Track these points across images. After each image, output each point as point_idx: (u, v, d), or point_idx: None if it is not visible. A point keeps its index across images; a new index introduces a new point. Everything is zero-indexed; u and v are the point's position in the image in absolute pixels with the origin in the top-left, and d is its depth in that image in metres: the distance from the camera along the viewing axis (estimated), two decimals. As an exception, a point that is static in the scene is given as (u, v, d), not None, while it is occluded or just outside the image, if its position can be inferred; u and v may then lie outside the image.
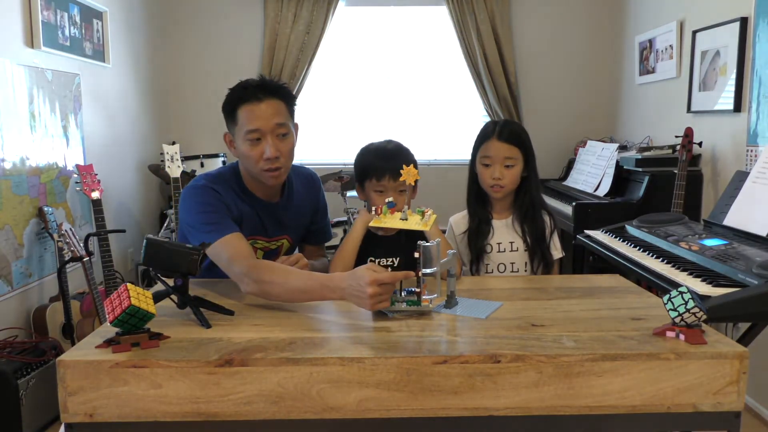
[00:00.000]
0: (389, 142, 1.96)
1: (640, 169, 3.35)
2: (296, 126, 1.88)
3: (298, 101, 1.89)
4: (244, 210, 1.83)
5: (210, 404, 1.17)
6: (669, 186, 3.04)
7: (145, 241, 1.40)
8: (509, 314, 1.45)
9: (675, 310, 1.25)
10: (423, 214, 1.59)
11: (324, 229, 2.11)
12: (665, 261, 1.94)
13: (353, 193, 3.86)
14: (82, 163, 3.29)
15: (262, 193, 1.88)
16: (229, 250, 1.64)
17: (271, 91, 1.78)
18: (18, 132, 2.79)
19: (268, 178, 1.80)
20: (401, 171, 1.57)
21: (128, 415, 1.17)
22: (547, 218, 2.02)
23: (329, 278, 1.49)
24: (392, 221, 1.57)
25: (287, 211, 1.94)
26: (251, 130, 1.75)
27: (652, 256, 2.03)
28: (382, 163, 1.84)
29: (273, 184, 1.85)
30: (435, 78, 4.73)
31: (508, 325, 1.37)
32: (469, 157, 2.05)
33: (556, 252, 2.02)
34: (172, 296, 1.41)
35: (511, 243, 1.99)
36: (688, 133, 3.04)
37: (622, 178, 3.56)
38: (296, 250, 2.06)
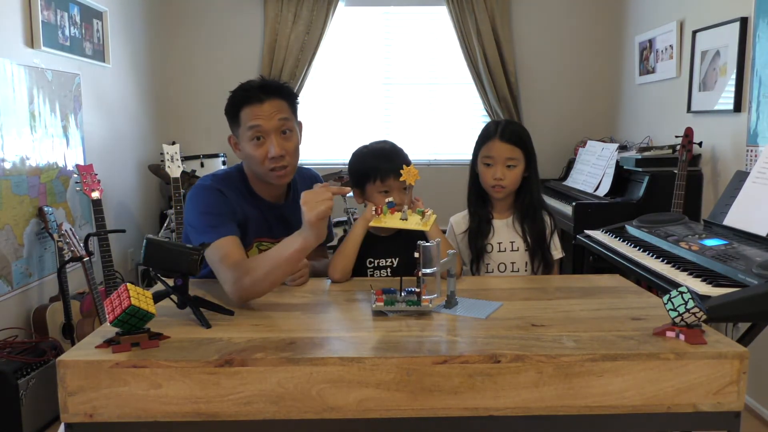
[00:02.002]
0: (385, 142, 1.96)
1: (640, 169, 3.35)
2: (300, 124, 1.88)
3: (298, 101, 1.90)
4: (249, 212, 1.83)
5: (210, 404, 1.17)
6: (669, 186, 3.04)
7: (145, 241, 1.40)
8: (509, 314, 1.45)
9: (675, 310, 1.25)
10: (423, 214, 1.59)
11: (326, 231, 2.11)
12: (665, 261, 1.94)
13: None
14: (82, 163, 3.29)
15: (268, 194, 1.88)
16: (220, 252, 1.63)
17: (273, 91, 1.78)
18: (18, 132, 2.79)
19: (274, 178, 1.80)
20: (401, 171, 1.57)
21: (128, 415, 1.17)
22: (547, 218, 2.02)
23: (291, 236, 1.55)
24: (392, 221, 1.57)
25: (292, 212, 1.94)
26: (254, 128, 1.75)
27: (652, 256, 2.03)
28: (385, 164, 1.84)
29: (280, 184, 1.85)
30: (435, 78, 4.73)
31: (508, 325, 1.37)
32: (469, 157, 2.05)
33: (557, 252, 2.02)
34: (172, 296, 1.41)
35: (512, 243, 1.99)
36: (688, 133, 3.04)
37: (622, 178, 3.56)
38: None
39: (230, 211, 1.77)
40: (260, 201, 1.87)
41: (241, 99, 1.78)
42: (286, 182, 1.87)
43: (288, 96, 1.82)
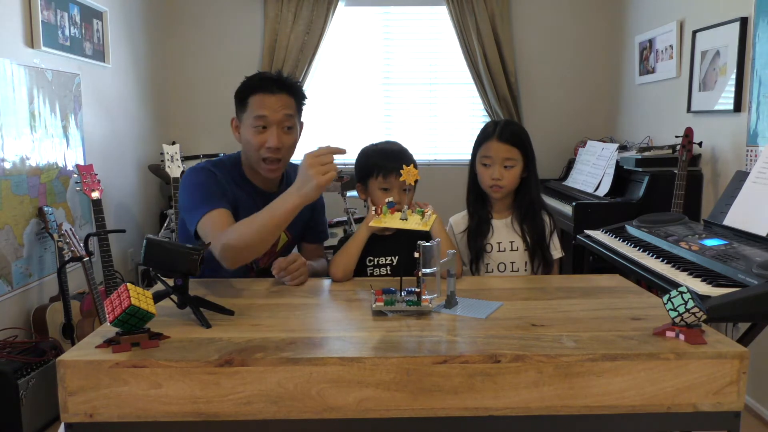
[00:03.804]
0: (392, 143, 1.99)
1: (640, 169, 3.35)
2: (302, 124, 1.94)
3: (305, 102, 1.95)
4: (240, 196, 1.87)
5: (210, 404, 1.17)
6: (669, 186, 3.04)
7: (145, 241, 1.40)
8: (509, 314, 1.45)
9: (675, 310, 1.25)
10: (423, 214, 1.59)
11: (321, 227, 2.12)
12: (665, 261, 1.94)
13: (353, 193, 3.87)
14: (82, 163, 3.29)
15: (261, 182, 1.93)
16: (210, 222, 1.71)
17: (286, 86, 1.86)
18: (18, 132, 2.79)
19: (265, 169, 1.85)
20: (401, 171, 1.57)
21: (128, 415, 1.17)
22: (546, 218, 2.02)
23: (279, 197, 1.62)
24: (392, 221, 1.57)
25: None
26: (259, 117, 1.81)
27: (652, 256, 2.03)
28: (389, 163, 1.86)
29: (270, 177, 1.89)
30: (435, 78, 4.73)
31: (508, 325, 1.37)
32: (469, 157, 2.05)
33: (556, 252, 2.02)
34: (172, 296, 1.41)
35: (511, 242, 1.99)
36: (688, 133, 3.04)
37: (622, 178, 3.56)
38: (294, 248, 2.07)
39: (221, 190, 1.82)
40: (252, 187, 1.91)
41: (254, 85, 1.85)
42: (275, 177, 1.91)
43: (298, 95, 1.89)
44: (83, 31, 3.38)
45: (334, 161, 1.56)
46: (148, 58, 4.30)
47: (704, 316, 1.24)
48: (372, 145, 1.98)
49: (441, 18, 4.57)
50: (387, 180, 1.86)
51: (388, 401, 1.18)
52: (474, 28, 4.43)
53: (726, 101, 3.01)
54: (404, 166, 1.57)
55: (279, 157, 1.84)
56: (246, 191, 1.88)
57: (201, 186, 1.81)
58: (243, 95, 1.86)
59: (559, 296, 1.62)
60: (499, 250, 1.99)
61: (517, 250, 1.99)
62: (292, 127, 1.86)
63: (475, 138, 2.03)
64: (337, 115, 4.69)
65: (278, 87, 1.84)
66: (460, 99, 4.73)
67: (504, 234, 2.00)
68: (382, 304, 1.43)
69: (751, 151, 2.80)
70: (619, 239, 2.29)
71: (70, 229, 2.90)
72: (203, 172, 1.85)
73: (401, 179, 1.57)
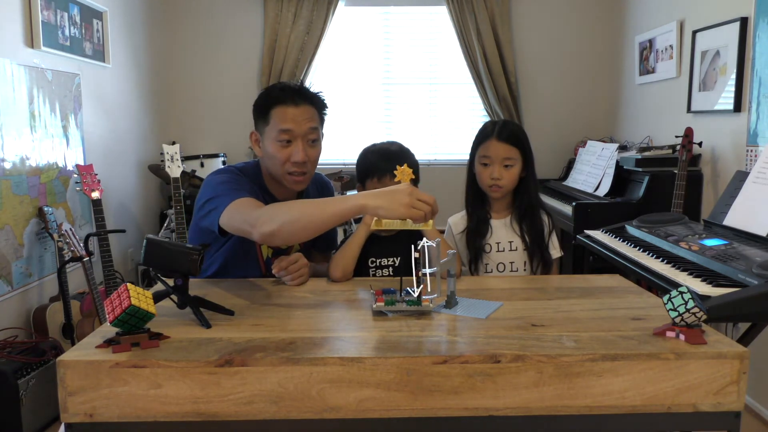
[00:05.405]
0: (392, 143, 1.98)
1: (640, 169, 3.35)
2: (322, 136, 1.92)
3: (326, 113, 1.96)
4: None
5: (210, 404, 1.17)
6: (669, 186, 3.04)
7: (145, 240, 1.40)
8: (509, 314, 1.45)
9: (675, 310, 1.25)
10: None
11: (332, 235, 2.12)
12: (665, 261, 1.94)
13: (353, 192, 3.88)
14: (82, 163, 3.29)
15: (280, 193, 1.90)
16: (246, 206, 1.61)
17: (308, 98, 1.83)
18: (18, 132, 2.79)
19: (291, 182, 1.82)
20: (395, 172, 1.57)
21: (128, 415, 1.17)
22: (545, 218, 2.02)
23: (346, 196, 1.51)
24: (392, 222, 1.56)
25: None
26: (284, 131, 1.77)
27: (652, 256, 2.03)
28: (384, 164, 1.86)
29: (295, 190, 1.87)
30: (435, 78, 4.73)
31: (508, 325, 1.37)
32: (468, 157, 2.05)
33: (555, 251, 2.02)
34: (172, 296, 1.41)
35: (510, 242, 1.99)
36: (688, 133, 3.04)
37: (622, 178, 3.56)
38: None
39: (251, 189, 1.77)
40: (272, 198, 1.88)
41: (276, 98, 1.79)
42: (300, 189, 1.89)
43: (320, 106, 1.87)
44: (83, 31, 3.38)
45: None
46: (148, 58, 4.30)
47: (704, 316, 1.24)
48: (371, 146, 1.98)
49: (441, 18, 4.57)
50: (381, 181, 1.86)
51: (388, 401, 1.18)
52: (474, 28, 4.44)
53: (726, 101, 3.01)
54: (397, 167, 1.57)
55: (305, 170, 1.81)
56: (266, 201, 1.87)
57: (231, 181, 1.76)
58: (264, 108, 1.80)
59: (559, 296, 1.62)
60: (498, 250, 1.99)
61: (516, 249, 1.99)
62: (316, 140, 1.83)
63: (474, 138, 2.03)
64: (337, 115, 4.68)
65: (301, 98, 1.79)
66: (460, 99, 4.73)
67: (503, 234, 2.00)
68: (382, 304, 1.43)
69: (751, 151, 2.80)
70: (619, 239, 2.29)
71: (70, 229, 2.90)
72: (231, 173, 1.81)
73: (395, 180, 1.57)
